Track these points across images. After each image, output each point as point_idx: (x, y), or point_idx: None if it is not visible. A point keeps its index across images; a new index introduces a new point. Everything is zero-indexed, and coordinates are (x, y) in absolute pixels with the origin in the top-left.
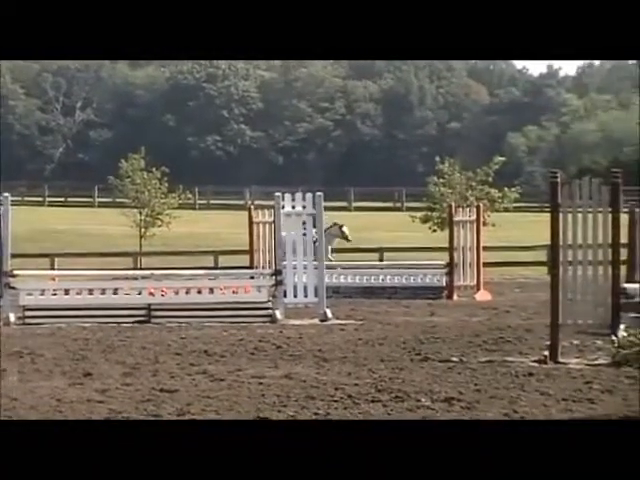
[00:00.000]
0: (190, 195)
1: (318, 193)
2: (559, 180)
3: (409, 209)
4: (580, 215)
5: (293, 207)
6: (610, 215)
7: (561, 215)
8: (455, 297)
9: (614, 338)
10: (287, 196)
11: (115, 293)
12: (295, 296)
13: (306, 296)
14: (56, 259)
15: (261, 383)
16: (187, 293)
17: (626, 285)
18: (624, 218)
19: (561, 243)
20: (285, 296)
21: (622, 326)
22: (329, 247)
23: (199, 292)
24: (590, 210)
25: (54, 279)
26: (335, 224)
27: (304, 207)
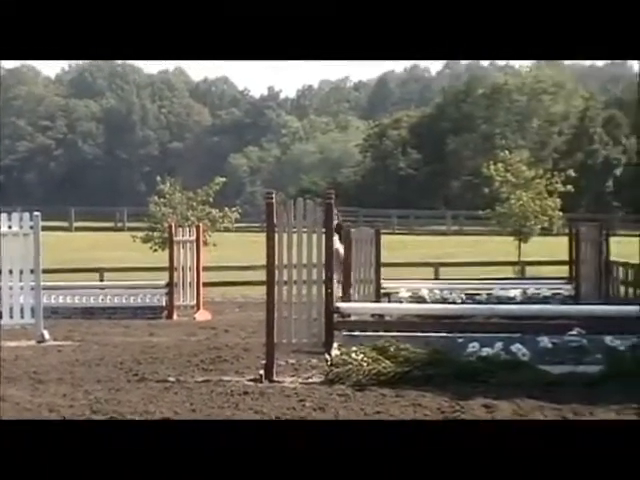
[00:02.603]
0: None
1: (35, 213)
2: (274, 200)
3: (131, 229)
4: (295, 235)
5: (10, 227)
6: (323, 234)
7: (276, 235)
8: (175, 317)
9: (327, 356)
10: (3, 216)
11: None
12: (11, 317)
13: (22, 317)
14: None
15: None
16: None
17: (340, 304)
18: None
19: (277, 262)
20: (0, 317)
21: (335, 344)
22: None
23: None
24: (305, 230)
25: None
26: None
27: (21, 227)
